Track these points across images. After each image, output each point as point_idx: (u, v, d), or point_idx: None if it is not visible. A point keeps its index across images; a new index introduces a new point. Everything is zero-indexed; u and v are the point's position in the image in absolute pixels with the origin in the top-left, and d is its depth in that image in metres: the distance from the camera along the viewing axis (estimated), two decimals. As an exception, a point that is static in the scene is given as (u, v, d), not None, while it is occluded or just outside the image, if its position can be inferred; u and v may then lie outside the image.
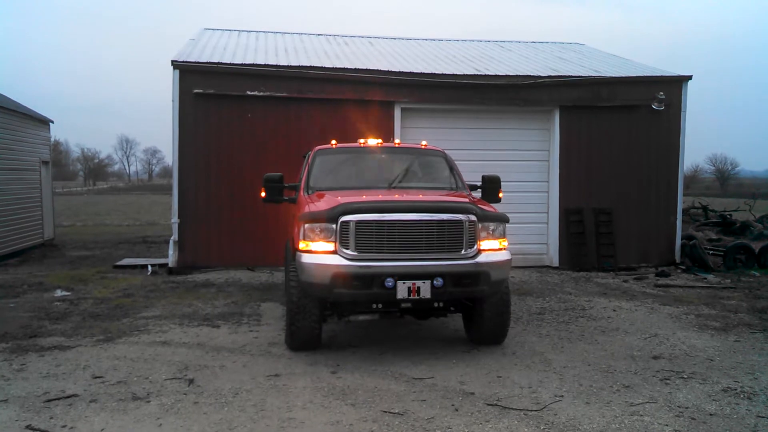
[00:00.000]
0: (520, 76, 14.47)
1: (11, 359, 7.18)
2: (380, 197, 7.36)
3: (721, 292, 11.84)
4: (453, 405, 5.70)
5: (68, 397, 5.95)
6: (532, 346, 7.75)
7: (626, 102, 14.62)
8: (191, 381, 6.39)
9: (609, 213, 14.64)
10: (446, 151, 9.24)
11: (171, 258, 13.40)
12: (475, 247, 7.02)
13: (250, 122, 13.66)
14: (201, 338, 8.10)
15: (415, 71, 14.14)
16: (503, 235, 7.26)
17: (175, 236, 13.43)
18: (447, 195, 7.87)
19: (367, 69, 14.02)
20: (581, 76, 14.65)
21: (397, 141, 9.28)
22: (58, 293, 11.15)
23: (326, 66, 13.98)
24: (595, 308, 10.04)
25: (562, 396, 5.94)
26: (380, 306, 7.13)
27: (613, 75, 14.91)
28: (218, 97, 13.47)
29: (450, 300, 7.23)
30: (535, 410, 5.56)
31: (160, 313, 9.61)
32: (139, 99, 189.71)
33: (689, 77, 14.81)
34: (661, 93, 14.51)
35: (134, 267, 14.25)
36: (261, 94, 13.55)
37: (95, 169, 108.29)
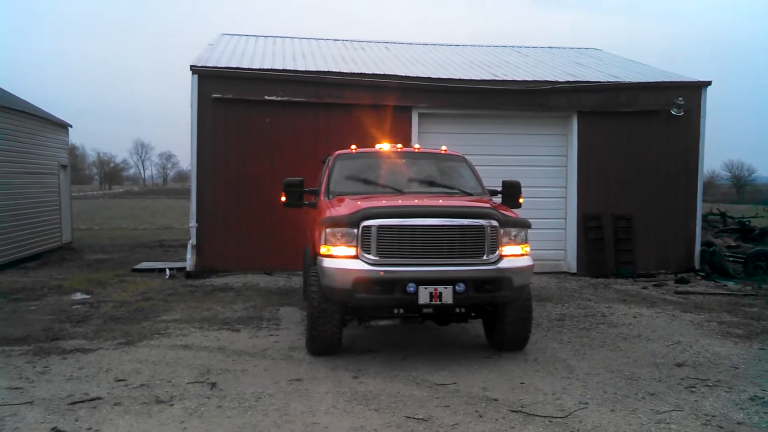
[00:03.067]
0: (538, 81, 14.43)
1: (34, 361, 7.22)
2: (401, 202, 7.36)
3: (742, 299, 11.73)
4: (477, 411, 5.67)
5: (92, 399, 5.97)
6: (554, 352, 7.70)
7: (645, 108, 14.54)
8: (214, 385, 6.40)
9: (628, 219, 14.55)
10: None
11: (189, 262, 13.45)
12: (497, 252, 7.00)
13: (268, 127, 13.70)
14: (221, 342, 8.11)
15: (432, 76, 14.13)
16: (525, 241, 7.24)
17: (193, 240, 13.49)
18: (469, 200, 7.86)
19: (384, 74, 14.04)
20: (599, 82, 14.60)
21: (417, 146, 9.24)
22: (78, 296, 11.21)
23: (344, 71, 14.01)
24: (615, 315, 9.97)
25: (586, 403, 5.90)
26: (402, 311, 7.11)
27: (632, 80, 14.84)
28: (237, 102, 13.52)
29: (472, 305, 7.20)
30: (560, 417, 5.53)
31: (179, 316, 9.63)
32: (155, 104, 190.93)
33: (708, 83, 14.71)
34: (681, 98, 14.42)
35: (152, 271, 14.30)
36: (279, 99, 13.59)
37: (110, 173, 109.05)
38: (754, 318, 9.85)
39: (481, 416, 5.55)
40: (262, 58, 14.93)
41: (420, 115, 14.05)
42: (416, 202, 7.39)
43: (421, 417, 5.50)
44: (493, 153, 13.99)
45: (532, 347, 7.83)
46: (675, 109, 14.49)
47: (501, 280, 6.92)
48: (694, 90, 14.73)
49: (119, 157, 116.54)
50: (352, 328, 8.06)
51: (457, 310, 7.15)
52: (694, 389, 6.35)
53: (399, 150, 9.06)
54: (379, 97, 13.83)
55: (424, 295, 6.72)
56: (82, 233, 24.86)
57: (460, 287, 6.76)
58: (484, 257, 6.93)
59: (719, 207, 22.51)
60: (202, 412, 5.65)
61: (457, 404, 5.85)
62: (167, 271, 13.69)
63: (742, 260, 14.74)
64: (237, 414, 5.62)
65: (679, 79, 15.09)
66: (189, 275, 13.37)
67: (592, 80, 14.68)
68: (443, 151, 9.13)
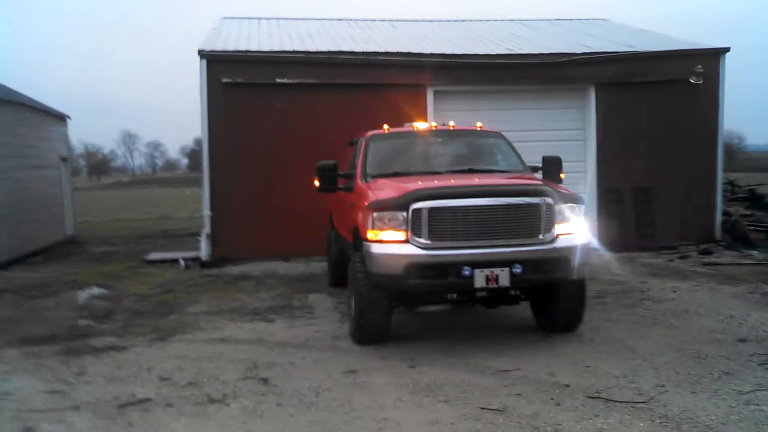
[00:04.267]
0: (553, 54, 14.10)
1: (68, 362, 6.88)
2: (453, 182, 7.04)
3: (744, 267, 11.52)
4: (552, 399, 5.38)
5: (141, 401, 5.65)
6: (608, 332, 7.43)
7: (663, 77, 14.21)
8: (265, 380, 6.09)
9: (647, 191, 14.27)
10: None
11: (204, 251, 13.09)
12: (553, 231, 6.69)
13: (280, 111, 13.30)
14: (259, 334, 7.79)
15: (446, 53, 13.76)
16: (580, 218, 6.94)
17: (207, 229, 13.12)
18: (519, 178, 7.55)
19: (398, 52, 13.67)
20: (616, 52, 14.27)
21: (452, 123, 8.90)
22: (96, 291, 10.82)
23: (356, 50, 13.61)
24: (653, 290, 9.71)
25: (663, 386, 5.62)
26: (454, 296, 6.82)
27: (648, 50, 14.51)
28: (247, 86, 13.12)
29: (527, 287, 6.91)
30: (642, 402, 5.24)
31: (207, 308, 9.31)
32: (140, 93, 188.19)
33: (727, 49, 14.39)
34: (699, 66, 14.12)
35: (164, 261, 13.92)
36: (291, 81, 13.20)
37: (98, 164, 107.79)
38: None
39: (558, 404, 5.27)
40: (270, 41, 14.51)
41: (435, 93, 13.69)
42: (467, 181, 7.08)
43: (495, 408, 5.21)
44: (511, 129, 13.35)
45: (583, 327, 7.51)
46: (694, 78, 14.19)
47: (558, 260, 6.63)
48: (712, 57, 14.42)
49: (106, 148, 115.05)
50: (397, 314, 7.74)
51: (512, 292, 6.87)
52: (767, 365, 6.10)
53: (434, 128, 8.72)
54: (393, 75, 13.46)
55: (480, 279, 6.42)
56: (82, 226, 24.35)
57: (517, 269, 6.46)
58: (540, 236, 6.62)
59: (728, 176, 22.25)
60: (262, 411, 5.33)
61: (529, 392, 5.56)
62: (181, 262, 13.32)
63: (761, 229, 14.52)
64: (299, 411, 5.32)
65: (695, 47, 14.78)
66: (204, 265, 13.02)
67: (608, 51, 14.34)
68: (479, 128, 8.80)
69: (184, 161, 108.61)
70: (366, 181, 7.76)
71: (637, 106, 14.27)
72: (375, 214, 6.64)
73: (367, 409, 5.29)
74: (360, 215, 7.08)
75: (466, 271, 6.39)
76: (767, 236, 14.28)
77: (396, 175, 7.76)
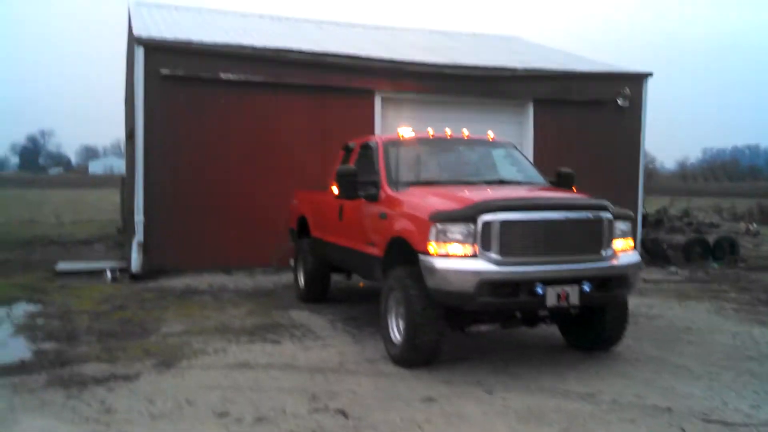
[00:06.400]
0: (497, 68, 14.15)
1: (76, 396, 5.77)
2: (519, 194, 6.71)
3: (707, 285, 12.13)
4: (671, 424, 5.17)
5: (219, 444, 4.79)
6: (641, 349, 7.37)
7: (594, 97, 14.73)
8: (343, 413, 5.39)
9: (577, 207, 14.66)
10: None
11: (135, 262, 11.75)
12: (612, 247, 6.54)
13: (223, 108, 12.30)
14: (279, 357, 6.97)
15: (397, 59, 13.40)
16: (632, 235, 6.84)
17: (139, 237, 11.79)
18: (565, 192, 7.37)
19: (348, 55, 13.10)
20: (555, 70, 14.59)
21: (466, 132, 8.56)
22: (29, 307, 9.38)
23: (305, 49, 12.89)
24: (632, 305, 9.85)
25: (758, 406, 5.59)
26: (519, 314, 6.48)
27: (584, 70, 14.98)
28: (188, 80, 11.99)
29: (593, 305, 6.68)
30: (760, 425, 5.16)
31: (183, 327, 8.27)
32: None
33: (650, 74, 15.19)
34: (627, 89, 14.78)
35: (79, 273, 12.34)
36: (236, 78, 12.24)
37: None
38: (751, 303, 10.14)
39: (683, 429, 5.06)
40: (212, 32, 13.42)
41: (383, 99, 13.29)
42: (534, 194, 6.77)
43: (628, 436, 4.92)
44: (457, 140, 13.52)
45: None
46: (621, 100, 14.82)
47: (620, 278, 6.48)
48: (637, 81, 15.14)
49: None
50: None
51: (572, 311, 6.62)
52: (828, 382, 6.27)
53: (450, 136, 8.34)
54: (342, 79, 12.91)
55: (551, 297, 6.10)
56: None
57: (586, 286, 6.22)
58: (602, 253, 6.44)
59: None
60: (378, 451, 4.68)
61: (639, 417, 5.31)
62: (108, 273, 11.89)
63: (682, 248, 15.35)
64: (420, 449, 4.72)
65: (624, 70, 15.45)
66: (135, 277, 11.70)
67: (547, 68, 14.64)
68: (491, 138, 8.53)
69: (14, 160, 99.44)
70: (397, 189, 7.21)
71: (570, 124, 14.68)
72: (439, 226, 6.14)
73: (493, 444, 4.80)
74: (409, 226, 6.54)
75: (539, 289, 6.06)
76: (683, 254, 15.10)
77: (428, 183, 7.31)
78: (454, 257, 6.10)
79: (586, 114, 14.78)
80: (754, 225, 22.92)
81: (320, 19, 18.33)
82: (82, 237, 19.27)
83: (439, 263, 6.11)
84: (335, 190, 7.66)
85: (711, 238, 15.64)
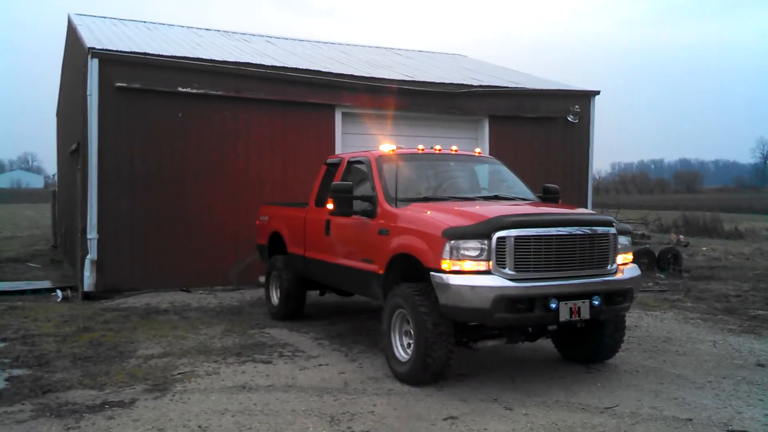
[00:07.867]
0: (453, 84, 14.28)
1: (73, 425, 5.37)
2: (540, 210, 6.73)
3: (661, 295, 12.50)
4: (698, 435, 5.23)
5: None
6: (635, 361, 7.47)
7: (546, 114, 15.07)
8: (369, 435, 5.20)
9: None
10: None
11: (88, 280, 11.16)
12: (617, 262, 6.63)
13: (181, 122, 11.90)
14: (278, 379, 6.69)
15: (356, 74, 13.31)
16: (631, 250, 6.96)
17: (93, 254, 11.21)
18: (569, 207, 7.42)
19: (309, 69, 12.92)
20: (509, 88, 14.84)
21: (455, 148, 8.52)
22: (-16, 332, 8.73)
23: (267, 64, 12.64)
24: (601, 317, 10.04)
25: (768, 413, 5.75)
26: (530, 330, 6.47)
27: (537, 87, 15.29)
28: (145, 93, 11.54)
29: (602, 319, 6.73)
30: (781, 431, 5.30)
31: (162, 349, 7.87)
32: None
33: (598, 92, 15.67)
34: (577, 106, 15.18)
35: (19, 292, 11.61)
36: (194, 91, 11.87)
37: None
38: (709, 312, 10.49)
39: (712, 440, 5.13)
40: (158, 45, 12.98)
41: (344, 114, 13.16)
42: (540, 210, 6.77)
43: (661, 448, 4.93)
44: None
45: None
46: (571, 116, 15.22)
47: (625, 291, 6.56)
48: (585, 98, 15.59)
49: None
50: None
51: (579, 325, 6.66)
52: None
53: (439, 152, 8.29)
54: (302, 93, 12.73)
55: (564, 312, 6.10)
56: None
57: (596, 301, 6.27)
58: (608, 267, 6.51)
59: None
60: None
61: (662, 429, 5.35)
62: (59, 293, 11.24)
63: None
64: (461, 469, 4.59)
65: (573, 88, 15.87)
66: (88, 296, 11.12)
67: (501, 85, 14.87)
68: (478, 154, 8.54)
69: None
70: (396, 205, 7.09)
71: (524, 140, 14.96)
72: (452, 242, 6.05)
73: (534, 461, 4.73)
74: (418, 242, 6.42)
75: (554, 304, 6.06)
76: (657, 264, 15.46)
77: (427, 199, 7.24)
78: (468, 273, 6.03)
79: (539, 129, 15.09)
80: (682, 237, 23.98)
81: (269, 34, 18.03)
82: (11, 255, 18.23)
83: (453, 280, 6.01)
84: (330, 206, 7.46)
85: (656, 250, 16.16)
